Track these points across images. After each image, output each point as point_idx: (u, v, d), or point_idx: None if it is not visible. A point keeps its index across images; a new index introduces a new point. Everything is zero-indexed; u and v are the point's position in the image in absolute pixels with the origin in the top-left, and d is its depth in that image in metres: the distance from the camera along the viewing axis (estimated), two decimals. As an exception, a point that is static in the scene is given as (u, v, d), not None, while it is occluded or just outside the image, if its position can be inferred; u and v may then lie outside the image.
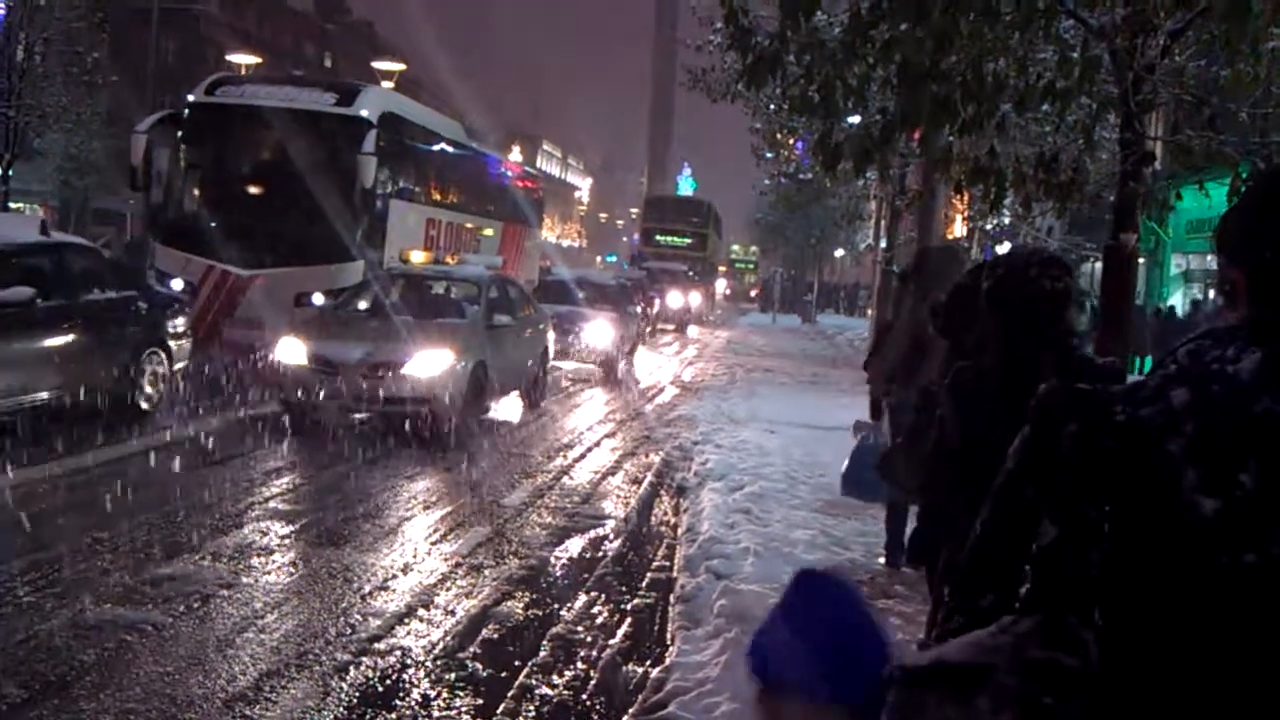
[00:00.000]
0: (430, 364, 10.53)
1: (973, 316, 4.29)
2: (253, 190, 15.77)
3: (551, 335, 14.83)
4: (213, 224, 14.83)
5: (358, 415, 10.96)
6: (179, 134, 15.52)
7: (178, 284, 14.17)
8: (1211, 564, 1.10)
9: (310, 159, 14.72)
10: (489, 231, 22.05)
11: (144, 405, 10.69)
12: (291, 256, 14.63)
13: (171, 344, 11.29)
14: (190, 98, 16.02)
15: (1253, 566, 1.08)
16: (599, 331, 17.90)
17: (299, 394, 10.57)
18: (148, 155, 14.96)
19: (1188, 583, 1.12)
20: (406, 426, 10.49)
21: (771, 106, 19.66)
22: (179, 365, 11.49)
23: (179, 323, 11.62)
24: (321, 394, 10.37)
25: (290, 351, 10.77)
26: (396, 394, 10.41)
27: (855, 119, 9.41)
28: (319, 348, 10.73)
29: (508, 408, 13.15)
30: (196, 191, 15.75)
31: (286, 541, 6.98)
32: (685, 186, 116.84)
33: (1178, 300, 24.20)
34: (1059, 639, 1.15)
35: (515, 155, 57.98)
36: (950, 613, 1.33)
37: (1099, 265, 18.48)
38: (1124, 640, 1.15)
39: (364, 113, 15.15)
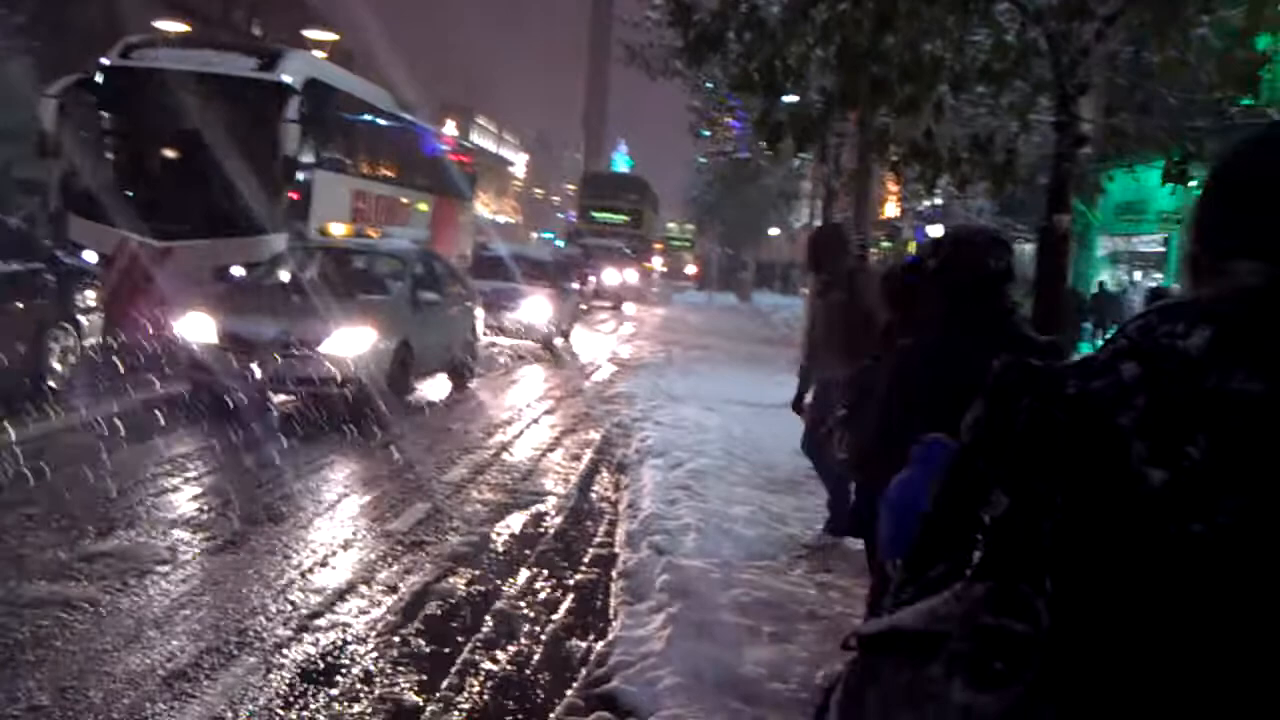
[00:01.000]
0: (350, 342, 10.06)
1: (915, 293, 4.37)
2: (169, 158, 15.13)
3: (480, 313, 14.35)
4: (127, 193, 14.21)
5: (277, 396, 10.56)
6: (91, 99, 14.86)
7: (90, 255, 13.57)
8: (1159, 534, 1.13)
9: (229, 126, 14.14)
10: (421, 205, 21.75)
11: (52, 384, 10.18)
12: (209, 228, 14.02)
13: (81, 319, 10.77)
14: (103, 61, 15.26)
15: (1199, 536, 1.11)
16: (536, 308, 17.83)
17: (208, 374, 9.99)
18: (58, 121, 14.26)
19: (1137, 552, 1.14)
20: (326, 408, 10.10)
21: (709, 85, 19.71)
22: (89, 341, 10.96)
23: (89, 296, 11.13)
24: (233, 374, 9.83)
25: (198, 328, 10.18)
26: (314, 374, 9.92)
27: (793, 98, 9.47)
28: (230, 324, 10.13)
29: (438, 387, 13.05)
30: (110, 159, 15.12)
31: (221, 519, 6.86)
32: (621, 163, 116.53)
33: (1105, 279, 24.69)
34: (1009, 606, 1.15)
35: (449, 129, 57.36)
36: (902, 583, 1.35)
37: (1029, 247, 18.77)
38: (1075, 608, 1.16)
39: (286, 78, 14.59)
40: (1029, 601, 1.16)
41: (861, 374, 4.80)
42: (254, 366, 9.78)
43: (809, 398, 7.22)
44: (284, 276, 11.62)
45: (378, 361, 10.27)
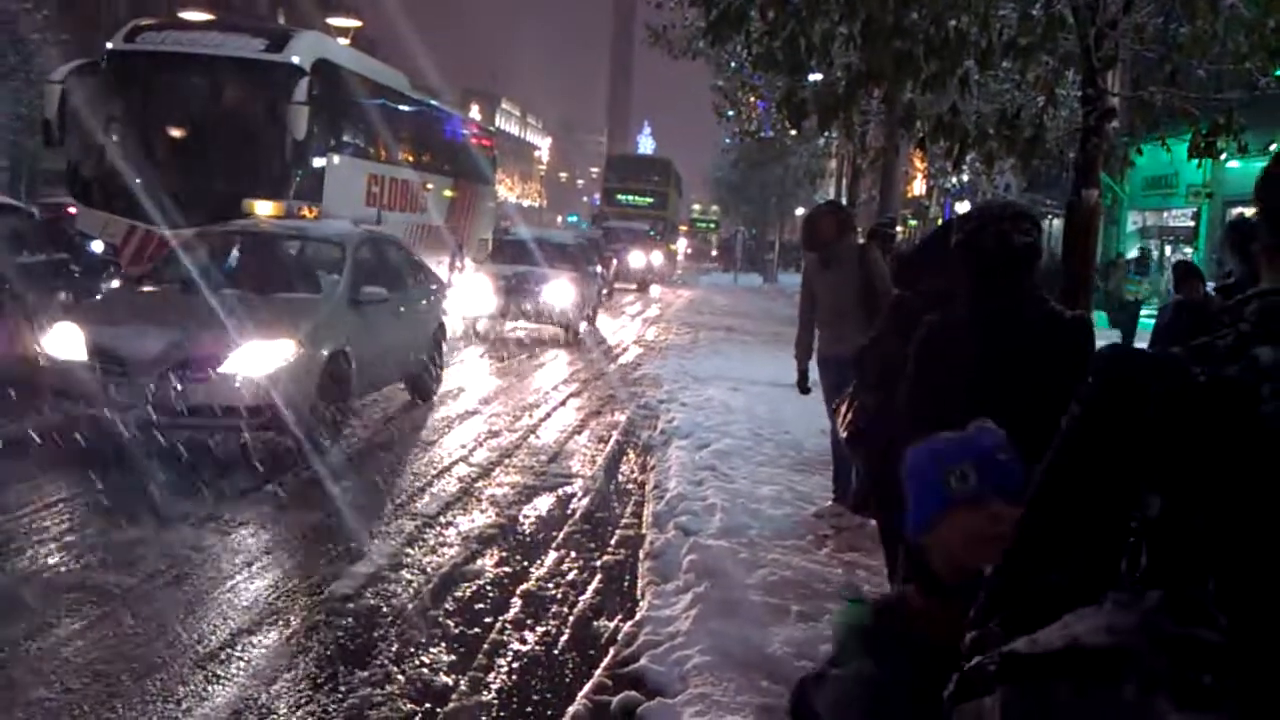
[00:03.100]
0: (262, 358, 7.70)
1: (924, 269, 4.35)
2: (176, 144, 14.74)
3: (448, 308, 11.96)
4: (134, 180, 13.86)
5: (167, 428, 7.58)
6: (97, 84, 14.45)
7: (97, 245, 13.27)
8: None
9: (238, 109, 14.01)
10: (446, 191, 21.67)
11: None
12: (219, 214, 13.62)
13: None
14: (109, 45, 14.94)
15: None
16: (559, 292, 17.62)
17: (76, 402, 7.66)
18: (62, 108, 13.89)
19: None
20: (231, 445, 7.88)
21: (733, 64, 19.64)
22: None
23: (114, 286, 10.97)
24: (107, 402, 7.45)
25: (63, 342, 7.83)
26: (210, 402, 7.54)
27: (816, 76, 9.42)
28: (104, 337, 7.77)
29: (466, 373, 13.02)
30: (116, 146, 14.66)
31: (252, 507, 6.91)
32: (645, 145, 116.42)
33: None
34: (1191, 613, 1.07)
35: (474, 114, 57.45)
36: (1001, 591, 1.25)
37: (1057, 222, 18.57)
38: (1247, 608, 1.09)
39: (295, 59, 14.21)
40: (1206, 606, 1.08)
41: (865, 351, 4.78)
42: (133, 392, 7.45)
43: (815, 376, 7.22)
44: (183, 273, 8.96)
45: (299, 382, 7.92)
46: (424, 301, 11.05)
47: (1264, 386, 1.12)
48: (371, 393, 10.01)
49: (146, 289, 9.05)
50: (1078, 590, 1.14)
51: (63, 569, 5.61)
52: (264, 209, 12.91)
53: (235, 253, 9.89)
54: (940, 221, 31.27)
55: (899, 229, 11.56)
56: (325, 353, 8.32)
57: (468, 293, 17.29)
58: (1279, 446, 1.10)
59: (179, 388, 7.45)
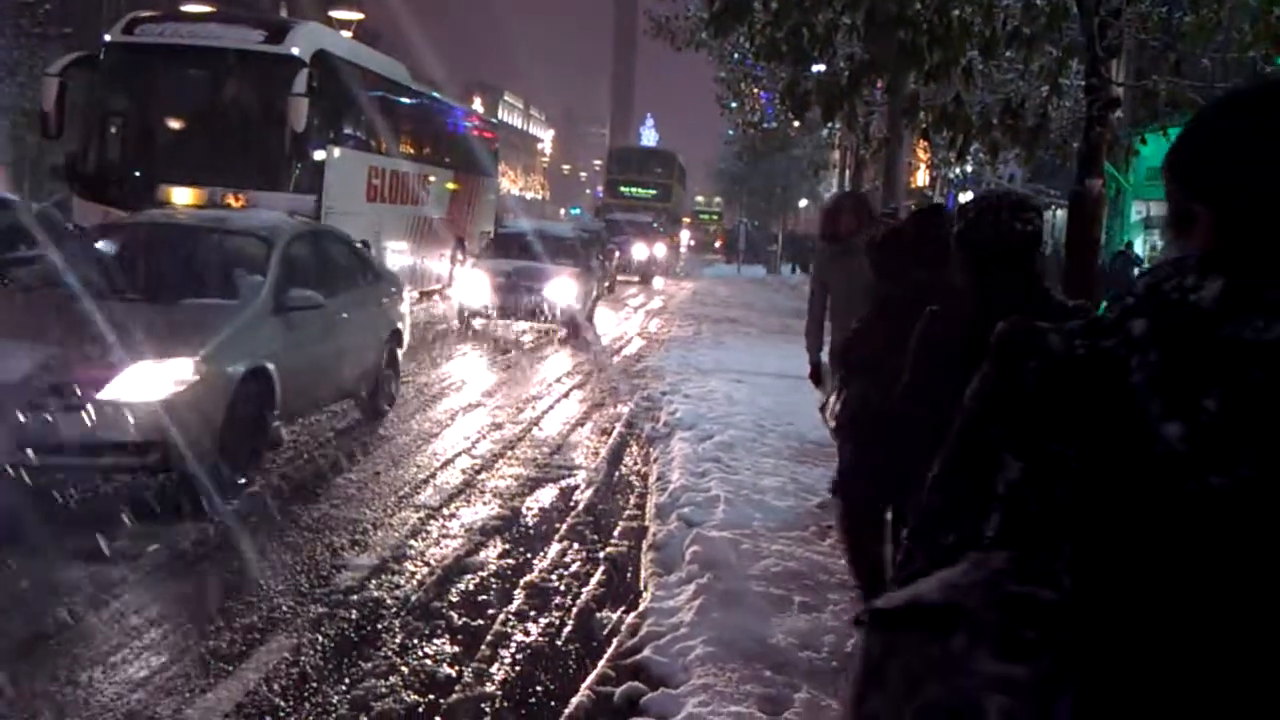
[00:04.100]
0: (154, 381, 6.35)
1: (906, 260, 4.35)
2: (175, 136, 14.61)
3: (405, 310, 10.35)
4: (133, 173, 13.87)
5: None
6: (95, 77, 14.37)
7: None
8: (1179, 490, 1.11)
9: (237, 102, 13.96)
10: (449, 184, 21.59)
11: None
12: (218, 208, 13.38)
13: None
14: (107, 37, 14.83)
15: (1221, 490, 1.09)
16: (560, 290, 17.12)
17: None
18: (60, 100, 13.77)
19: (1157, 511, 1.12)
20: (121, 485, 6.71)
21: (736, 55, 19.61)
22: None
23: None
24: None
25: None
26: (92, 434, 6.14)
27: (820, 67, 9.41)
28: None
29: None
30: (115, 138, 14.63)
31: (253, 501, 6.90)
32: (648, 137, 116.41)
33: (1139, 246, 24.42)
34: (1034, 573, 1.14)
35: (476, 106, 57.45)
36: (910, 552, 1.31)
37: (1061, 213, 18.55)
38: (1096, 571, 1.15)
39: (295, 51, 14.09)
40: (1052, 568, 1.14)
41: (851, 342, 4.78)
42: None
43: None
44: (69, 276, 7.38)
45: (202, 407, 6.58)
46: (374, 305, 9.56)
47: (1134, 358, 1.17)
48: (306, 416, 8.67)
49: (28, 297, 7.51)
50: (967, 551, 1.21)
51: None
52: (182, 196, 11.89)
53: (140, 250, 8.35)
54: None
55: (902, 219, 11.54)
56: (241, 370, 6.93)
57: (465, 289, 17.14)
58: (1144, 416, 1.14)
59: (51, 418, 6.11)
